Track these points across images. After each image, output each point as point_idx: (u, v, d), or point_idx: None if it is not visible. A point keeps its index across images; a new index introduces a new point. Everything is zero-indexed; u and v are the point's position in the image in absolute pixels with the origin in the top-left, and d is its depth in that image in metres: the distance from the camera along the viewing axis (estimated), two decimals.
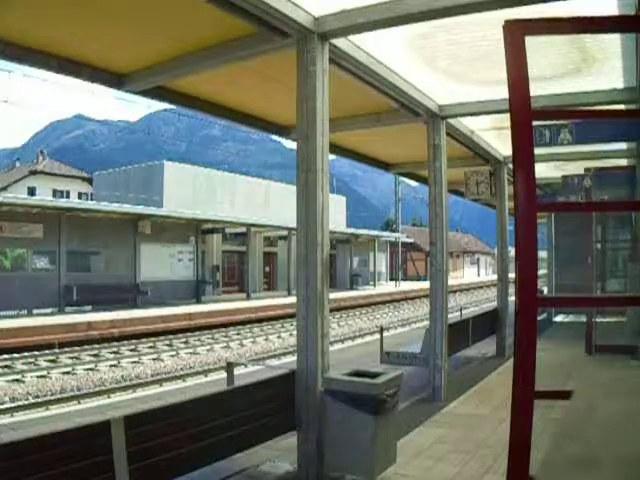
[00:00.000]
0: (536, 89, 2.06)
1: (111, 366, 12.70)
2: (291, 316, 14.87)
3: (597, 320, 9.60)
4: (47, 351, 13.66)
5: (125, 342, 15.27)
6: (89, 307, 18.98)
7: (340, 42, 4.49)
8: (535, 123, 1.70)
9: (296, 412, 4.27)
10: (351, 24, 4.15)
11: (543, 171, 10.67)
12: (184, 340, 16.19)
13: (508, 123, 1.72)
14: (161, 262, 23.07)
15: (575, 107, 5.81)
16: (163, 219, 22.40)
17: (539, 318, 10.03)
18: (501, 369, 8.33)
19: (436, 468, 4.46)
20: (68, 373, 11.92)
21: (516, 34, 1.60)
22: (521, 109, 1.61)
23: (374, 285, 35.64)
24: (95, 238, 20.40)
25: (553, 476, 1.19)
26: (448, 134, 7.00)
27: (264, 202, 30.26)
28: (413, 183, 14.06)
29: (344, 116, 6.68)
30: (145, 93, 5.67)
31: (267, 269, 30.89)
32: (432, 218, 6.73)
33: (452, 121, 7.01)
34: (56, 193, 39.66)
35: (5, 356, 12.68)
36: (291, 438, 4.39)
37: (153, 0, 4.06)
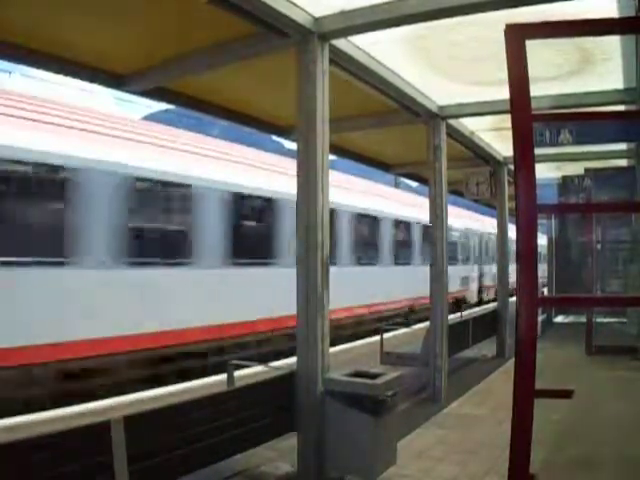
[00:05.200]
0: (536, 90, 2.06)
1: None
2: None
3: (597, 321, 9.61)
4: None
5: None
6: None
7: (340, 43, 4.49)
8: (535, 124, 1.71)
9: (296, 413, 4.27)
10: (351, 25, 4.15)
11: (544, 171, 10.67)
12: None
13: (508, 124, 1.73)
14: None
15: (575, 108, 5.81)
16: None
17: (539, 318, 10.06)
18: (501, 370, 8.33)
19: (436, 469, 4.46)
20: None
21: (517, 38, 1.61)
22: (522, 112, 1.62)
23: None
24: None
25: (553, 475, 1.19)
26: (448, 135, 7.01)
27: None
28: (413, 183, 14.01)
29: (344, 117, 6.68)
30: (145, 93, 5.67)
31: None
32: (432, 219, 6.74)
33: (452, 122, 7.01)
34: None
35: None
36: (291, 439, 4.38)
37: (153, 0, 4.06)
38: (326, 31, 4.21)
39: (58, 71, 5.01)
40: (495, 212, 11.67)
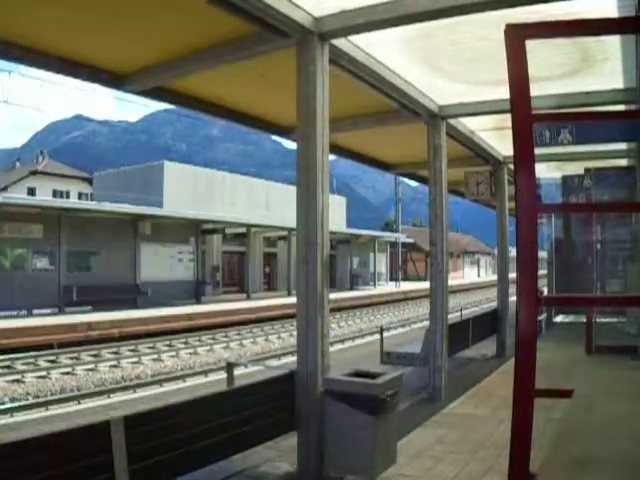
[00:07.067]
0: (537, 89, 2.06)
1: (111, 366, 12.69)
2: (291, 316, 14.71)
3: (597, 320, 9.59)
4: (47, 351, 13.64)
5: (125, 342, 15.26)
6: (89, 307, 18.96)
7: (340, 42, 4.50)
8: (535, 124, 1.71)
9: (296, 412, 4.27)
10: (351, 24, 4.16)
11: (544, 171, 10.67)
12: (184, 340, 16.17)
13: (508, 123, 1.73)
14: (161, 262, 23.03)
15: (575, 107, 5.81)
16: (163, 219, 22.38)
17: (539, 318, 10.05)
18: (501, 369, 8.33)
19: (436, 468, 4.46)
20: (68, 373, 11.90)
21: (517, 38, 1.61)
22: (522, 112, 1.62)
23: (374, 285, 35.64)
24: (95, 238, 20.34)
25: (554, 474, 1.19)
26: (448, 134, 7.01)
27: (264, 202, 30.26)
28: (413, 183, 14.04)
29: (344, 116, 6.68)
30: (145, 93, 5.67)
31: (267, 269, 30.88)
32: (432, 219, 6.74)
33: (452, 121, 7.01)
34: (56, 193, 39.67)
35: (5, 356, 12.67)
36: (291, 438, 4.39)
37: (153, 0, 4.06)
38: (326, 31, 4.21)
39: (58, 71, 5.01)
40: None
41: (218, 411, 3.83)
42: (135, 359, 13.58)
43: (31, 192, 37.60)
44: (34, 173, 41.05)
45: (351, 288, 33.07)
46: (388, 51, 4.92)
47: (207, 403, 3.85)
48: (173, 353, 14.55)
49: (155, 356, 13.97)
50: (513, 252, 3.73)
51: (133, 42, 4.75)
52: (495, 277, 13.71)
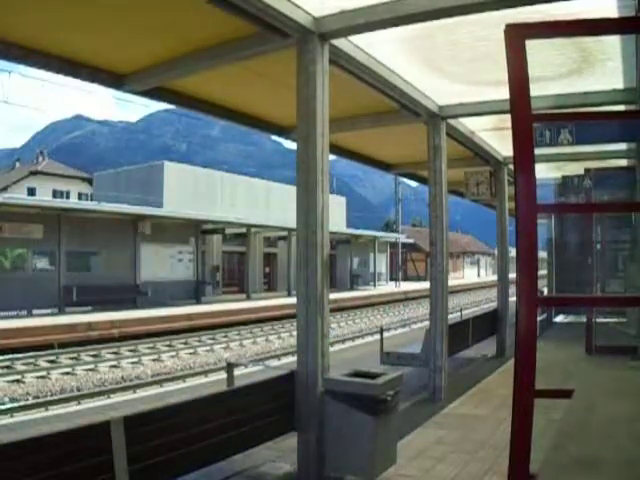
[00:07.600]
0: (537, 90, 2.06)
1: (111, 367, 12.68)
2: (291, 317, 14.72)
3: (597, 320, 9.60)
4: (47, 351, 13.64)
5: (125, 342, 15.26)
6: (89, 307, 18.96)
7: (340, 42, 4.50)
8: (535, 124, 1.71)
9: (296, 413, 4.27)
10: (351, 25, 4.16)
11: (544, 171, 10.67)
12: (184, 341, 16.18)
13: (508, 123, 1.73)
14: (161, 262, 23.04)
15: (575, 108, 5.82)
16: (163, 219, 22.39)
17: (539, 318, 10.06)
18: (501, 370, 8.33)
19: (436, 469, 4.46)
20: (68, 373, 11.90)
21: (517, 38, 1.61)
22: (522, 112, 1.62)
23: (374, 285, 35.65)
24: (95, 238, 20.36)
25: (554, 475, 1.19)
26: (448, 134, 7.01)
27: (264, 202, 30.27)
28: (413, 183, 14.05)
29: (344, 117, 6.68)
30: (145, 93, 5.67)
31: (267, 270, 30.88)
32: (432, 219, 6.74)
33: (452, 121, 7.01)
34: (56, 193, 39.68)
35: (5, 356, 12.67)
36: (291, 439, 4.38)
37: (153, 0, 4.06)
38: (326, 31, 4.22)
39: (58, 71, 5.01)
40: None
41: (218, 411, 3.83)
42: (135, 359, 13.57)
43: (31, 192, 37.60)
44: (34, 173, 41.06)
45: (351, 288, 33.07)
46: (388, 51, 4.93)
47: (207, 403, 3.85)
48: (173, 353, 14.55)
49: (155, 356, 13.97)
50: (513, 252, 3.74)
51: (133, 42, 4.75)
52: (495, 277, 13.72)
